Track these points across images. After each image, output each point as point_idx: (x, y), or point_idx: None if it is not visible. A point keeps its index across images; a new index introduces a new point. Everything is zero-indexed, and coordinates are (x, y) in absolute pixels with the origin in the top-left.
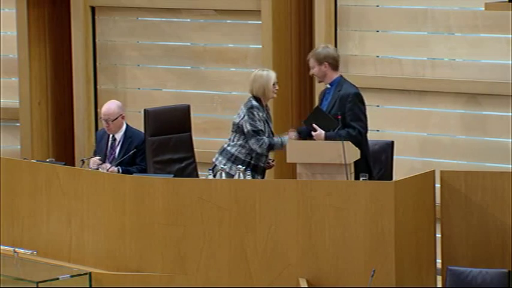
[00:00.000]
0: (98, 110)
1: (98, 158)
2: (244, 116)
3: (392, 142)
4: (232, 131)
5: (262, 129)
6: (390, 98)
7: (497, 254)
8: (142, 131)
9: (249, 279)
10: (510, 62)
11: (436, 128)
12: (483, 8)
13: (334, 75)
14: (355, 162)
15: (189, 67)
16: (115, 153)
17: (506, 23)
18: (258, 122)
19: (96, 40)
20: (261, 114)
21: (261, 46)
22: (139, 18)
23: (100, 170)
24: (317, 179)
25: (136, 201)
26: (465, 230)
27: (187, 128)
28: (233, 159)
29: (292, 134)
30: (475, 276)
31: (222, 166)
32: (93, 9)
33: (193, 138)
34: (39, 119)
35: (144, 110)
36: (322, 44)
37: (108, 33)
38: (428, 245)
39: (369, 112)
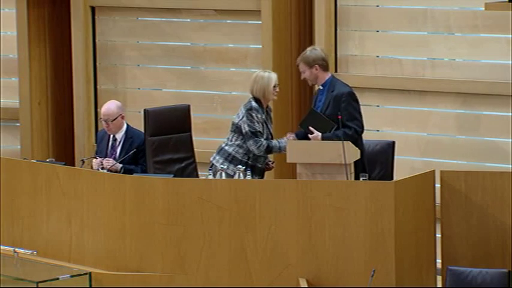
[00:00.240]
0: (98, 110)
1: (100, 159)
2: (243, 117)
3: (394, 142)
4: (231, 131)
5: (261, 130)
6: (390, 98)
7: (497, 254)
8: (142, 131)
9: (249, 279)
10: (510, 62)
11: (436, 128)
12: (483, 8)
13: (326, 76)
14: None
15: (189, 67)
16: (116, 153)
17: (506, 23)
18: (256, 123)
19: (96, 40)
20: (259, 115)
21: (261, 46)
22: (139, 18)
23: (104, 163)
24: (317, 179)
25: (137, 201)
26: (465, 230)
27: (187, 128)
28: (230, 159)
29: (291, 137)
30: (475, 276)
31: (221, 166)
32: (93, 9)
33: (193, 138)
34: (39, 119)
35: (144, 110)
36: (308, 47)
37: (108, 33)
38: (428, 245)
39: (369, 112)
